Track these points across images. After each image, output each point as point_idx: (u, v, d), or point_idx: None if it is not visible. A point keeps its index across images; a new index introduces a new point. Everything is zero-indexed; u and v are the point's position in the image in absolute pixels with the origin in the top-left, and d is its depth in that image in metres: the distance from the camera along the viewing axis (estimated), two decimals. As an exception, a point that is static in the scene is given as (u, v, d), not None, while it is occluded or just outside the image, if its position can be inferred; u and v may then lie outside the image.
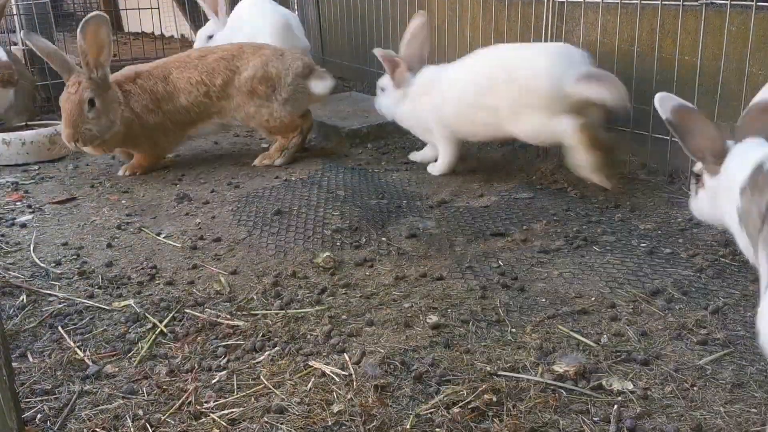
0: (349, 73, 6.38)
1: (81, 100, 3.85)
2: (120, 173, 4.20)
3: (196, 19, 7.26)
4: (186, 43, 7.40)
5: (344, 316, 2.46)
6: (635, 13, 3.66)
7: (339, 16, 6.35)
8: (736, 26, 3.23)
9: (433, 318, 2.40)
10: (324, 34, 6.65)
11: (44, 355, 2.28)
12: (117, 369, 2.20)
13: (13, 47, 6.12)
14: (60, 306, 2.60)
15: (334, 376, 2.09)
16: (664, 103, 2.35)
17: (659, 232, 3.05)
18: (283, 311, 2.50)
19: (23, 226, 3.45)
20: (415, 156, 4.27)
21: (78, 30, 3.70)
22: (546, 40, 4.19)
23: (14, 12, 5.84)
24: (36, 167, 4.45)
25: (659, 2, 3.53)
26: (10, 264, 3.00)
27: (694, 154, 2.34)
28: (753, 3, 3.12)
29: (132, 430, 1.89)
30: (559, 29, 4.14)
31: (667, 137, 3.61)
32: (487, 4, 4.59)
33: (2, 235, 3.33)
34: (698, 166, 2.46)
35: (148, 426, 1.90)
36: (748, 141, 2.21)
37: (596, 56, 3.92)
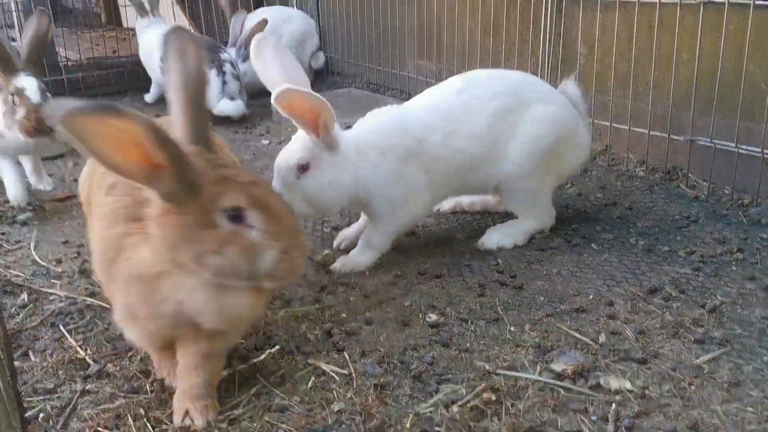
0: (349, 69, 6.39)
1: None
2: None
3: (196, 16, 7.25)
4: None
5: (344, 315, 2.47)
6: (634, 10, 3.67)
7: (339, 13, 6.35)
8: (734, 25, 3.24)
9: (432, 316, 2.41)
10: (323, 31, 6.65)
11: (46, 354, 2.30)
12: (118, 368, 2.21)
13: (12, 43, 6.12)
14: (61, 305, 2.61)
15: (334, 375, 2.10)
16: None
17: (657, 229, 3.06)
18: (283, 309, 2.52)
19: (24, 224, 3.46)
20: None
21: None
22: (545, 38, 4.20)
23: (13, 8, 5.83)
24: (36, 164, 4.45)
25: (657, 0, 3.54)
26: (11, 262, 3.01)
27: None
28: (751, 2, 3.12)
29: (133, 428, 1.90)
30: (558, 26, 4.15)
31: (665, 135, 3.63)
32: (486, 1, 4.60)
33: (3, 233, 3.34)
34: None
35: (149, 425, 1.92)
36: None
37: (595, 53, 3.93)
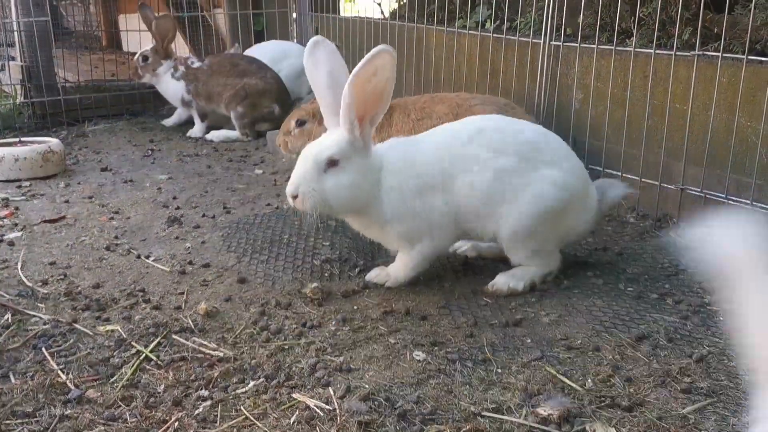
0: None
1: None
2: None
3: (196, 41, 7.31)
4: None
5: (330, 349, 2.45)
6: (629, 59, 3.73)
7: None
8: (727, 77, 3.30)
9: (420, 355, 2.40)
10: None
11: (27, 377, 2.26)
12: (99, 394, 2.18)
13: (11, 62, 6.15)
14: (45, 327, 2.59)
15: (318, 410, 2.08)
16: None
17: (646, 276, 3.07)
18: (270, 342, 2.49)
19: (11, 243, 3.44)
20: None
21: None
22: (542, 81, 4.26)
23: (14, 28, 5.86)
24: (28, 184, 4.44)
25: (652, 51, 3.60)
26: (-4, 281, 2.98)
27: None
28: (744, 56, 3.19)
29: (112, 457, 1.87)
30: (554, 71, 4.21)
31: (656, 182, 3.66)
32: (485, 44, 4.67)
33: (-10, 252, 3.31)
34: None
35: (128, 454, 1.88)
36: None
37: (590, 99, 3.99)
